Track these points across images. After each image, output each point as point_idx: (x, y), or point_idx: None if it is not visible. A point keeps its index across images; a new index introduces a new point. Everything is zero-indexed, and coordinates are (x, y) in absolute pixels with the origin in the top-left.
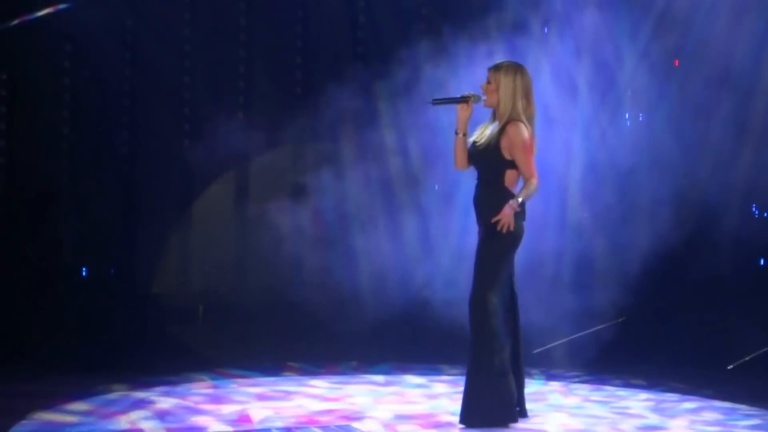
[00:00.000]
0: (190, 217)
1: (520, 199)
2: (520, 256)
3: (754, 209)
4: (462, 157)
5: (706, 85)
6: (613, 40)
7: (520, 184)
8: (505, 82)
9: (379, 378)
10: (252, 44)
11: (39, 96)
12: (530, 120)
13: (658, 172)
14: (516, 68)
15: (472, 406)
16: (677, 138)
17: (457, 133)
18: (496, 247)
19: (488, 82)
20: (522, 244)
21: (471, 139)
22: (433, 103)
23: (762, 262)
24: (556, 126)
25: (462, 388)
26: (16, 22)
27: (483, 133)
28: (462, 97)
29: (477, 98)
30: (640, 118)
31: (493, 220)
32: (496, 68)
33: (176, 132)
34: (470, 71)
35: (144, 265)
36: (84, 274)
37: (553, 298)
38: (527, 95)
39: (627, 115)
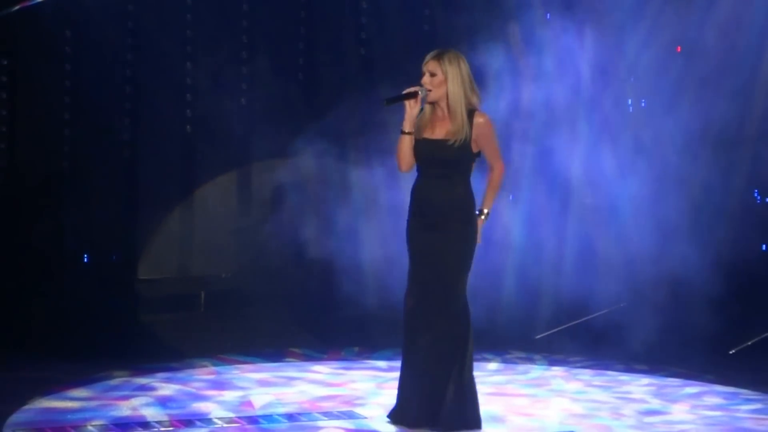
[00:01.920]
0: (192, 202)
1: (486, 210)
2: None
3: (756, 195)
4: (411, 157)
5: (709, 70)
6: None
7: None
8: (453, 71)
9: (382, 363)
10: (254, 30)
11: (40, 82)
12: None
13: (660, 156)
14: (457, 55)
15: (464, 409)
16: (678, 123)
17: (405, 132)
18: (469, 249)
19: (432, 74)
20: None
21: (413, 135)
22: (386, 104)
23: (764, 247)
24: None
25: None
26: (16, 7)
27: (430, 127)
28: (411, 93)
29: (425, 92)
30: (642, 104)
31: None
32: (439, 58)
33: (178, 117)
34: (473, 57)
35: (145, 251)
36: (85, 260)
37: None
38: (472, 81)
39: (630, 100)
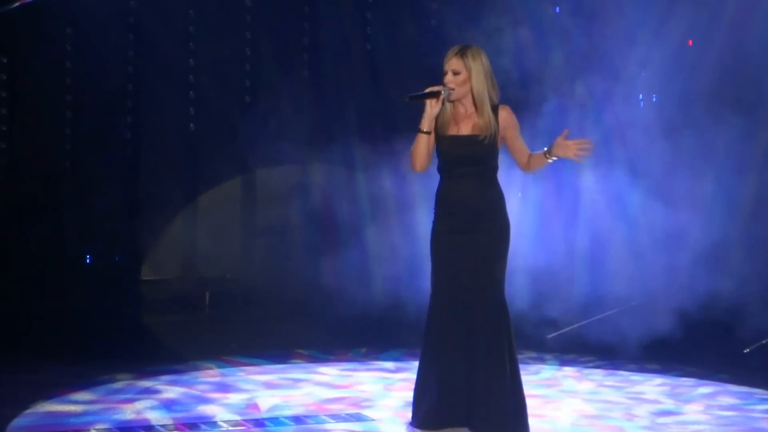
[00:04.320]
0: (196, 202)
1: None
2: None
3: None
4: (427, 157)
5: (720, 65)
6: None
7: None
8: (476, 67)
9: (389, 365)
10: (258, 26)
11: (40, 80)
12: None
13: (670, 153)
14: (479, 51)
15: (519, 412)
16: (689, 119)
17: (424, 131)
18: (507, 247)
19: (455, 73)
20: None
21: (431, 135)
22: (408, 101)
23: None
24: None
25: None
26: (16, 4)
27: (453, 124)
28: (433, 92)
29: (447, 92)
30: (654, 99)
31: (582, 149)
32: (462, 55)
33: (181, 116)
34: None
35: (149, 251)
36: (88, 261)
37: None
38: (493, 76)
39: (641, 95)
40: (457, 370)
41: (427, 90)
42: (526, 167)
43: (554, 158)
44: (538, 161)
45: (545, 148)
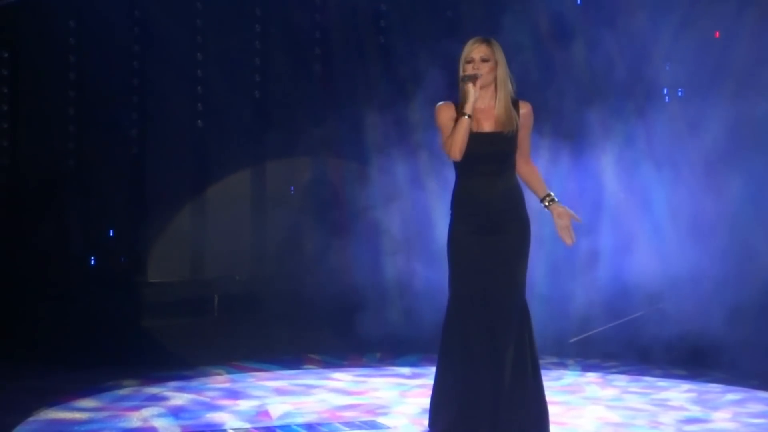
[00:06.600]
0: (204, 201)
1: (552, 193)
2: None
3: None
4: (465, 143)
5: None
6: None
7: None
8: (501, 56)
9: (405, 370)
10: (268, 19)
11: (43, 75)
12: None
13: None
14: (497, 42)
15: (541, 420)
16: (716, 116)
17: (467, 116)
18: (529, 246)
19: (484, 60)
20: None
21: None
22: (463, 82)
23: None
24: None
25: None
26: None
27: (474, 120)
28: (474, 75)
29: (480, 75)
30: (679, 94)
31: (567, 234)
32: (488, 43)
33: (189, 112)
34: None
35: (155, 252)
36: (92, 263)
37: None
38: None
39: (665, 90)
40: (483, 377)
41: (470, 73)
42: (522, 174)
43: (545, 207)
44: (535, 186)
45: (550, 193)
